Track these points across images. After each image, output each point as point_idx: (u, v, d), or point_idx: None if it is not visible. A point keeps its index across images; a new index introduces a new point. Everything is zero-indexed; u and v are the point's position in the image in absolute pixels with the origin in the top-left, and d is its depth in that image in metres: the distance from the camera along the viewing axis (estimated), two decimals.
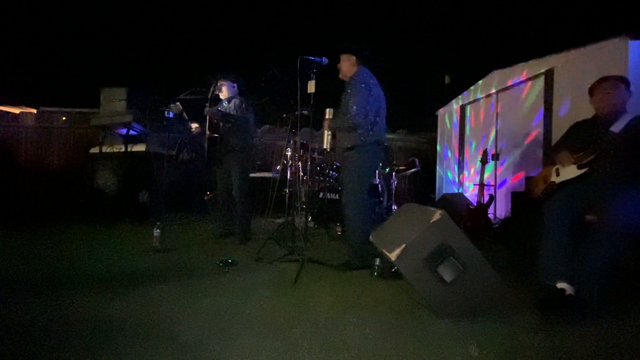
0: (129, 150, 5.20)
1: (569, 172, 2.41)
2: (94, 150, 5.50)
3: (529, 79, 5.08)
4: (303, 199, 4.78)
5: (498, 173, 5.57)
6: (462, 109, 6.91)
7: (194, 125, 4.06)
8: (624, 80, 2.42)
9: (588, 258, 2.05)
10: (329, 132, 3.24)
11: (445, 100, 7.67)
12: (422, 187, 7.67)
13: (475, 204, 4.64)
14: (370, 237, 2.73)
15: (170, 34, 10.22)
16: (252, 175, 4.74)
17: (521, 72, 5.22)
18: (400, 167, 5.75)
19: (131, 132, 5.25)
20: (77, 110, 7.01)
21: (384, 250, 2.29)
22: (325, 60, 3.20)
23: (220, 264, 2.87)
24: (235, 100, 3.97)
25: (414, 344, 1.75)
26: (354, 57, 3.07)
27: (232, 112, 3.90)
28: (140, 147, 5.24)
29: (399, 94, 7.78)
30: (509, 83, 5.49)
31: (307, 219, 3.54)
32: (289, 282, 2.61)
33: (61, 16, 9.74)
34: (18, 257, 3.25)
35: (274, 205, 4.62)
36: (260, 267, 3.04)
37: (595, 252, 2.04)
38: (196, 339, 1.75)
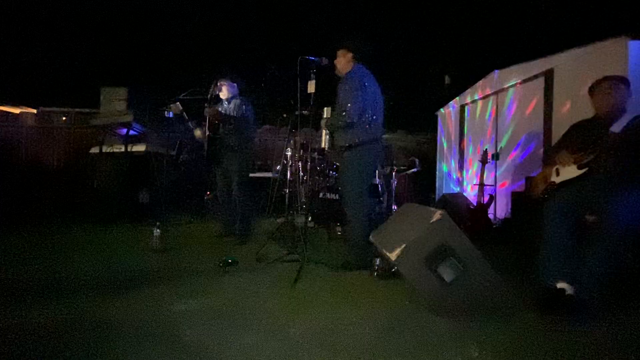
0: (129, 150, 5.20)
1: (569, 172, 2.42)
2: (94, 150, 5.49)
3: (529, 79, 5.08)
4: (303, 199, 4.79)
5: (498, 173, 5.57)
6: (462, 109, 6.90)
7: (198, 133, 4.07)
8: (624, 80, 2.42)
9: (588, 258, 2.05)
10: (327, 132, 3.23)
11: (445, 101, 7.67)
12: (422, 187, 7.68)
13: (475, 204, 4.64)
14: (370, 237, 2.73)
15: (170, 34, 10.21)
16: (252, 175, 4.75)
17: (521, 72, 5.22)
18: (401, 167, 5.75)
19: (131, 132, 5.25)
20: (77, 110, 6.99)
21: (384, 250, 2.29)
22: (325, 60, 3.19)
23: (220, 264, 2.87)
24: (236, 101, 3.97)
25: (414, 344, 1.75)
26: (350, 54, 3.05)
27: (232, 113, 3.91)
28: (140, 147, 5.25)
29: (398, 94, 7.78)
30: (509, 83, 5.49)
31: (307, 219, 3.55)
32: (289, 282, 2.60)
33: (61, 16, 9.73)
34: (18, 257, 3.24)
35: (274, 205, 4.62)
36: (260, 267, 3.04)
37: (595, 252, 2.04)
38: (196, 339, 1.75)
